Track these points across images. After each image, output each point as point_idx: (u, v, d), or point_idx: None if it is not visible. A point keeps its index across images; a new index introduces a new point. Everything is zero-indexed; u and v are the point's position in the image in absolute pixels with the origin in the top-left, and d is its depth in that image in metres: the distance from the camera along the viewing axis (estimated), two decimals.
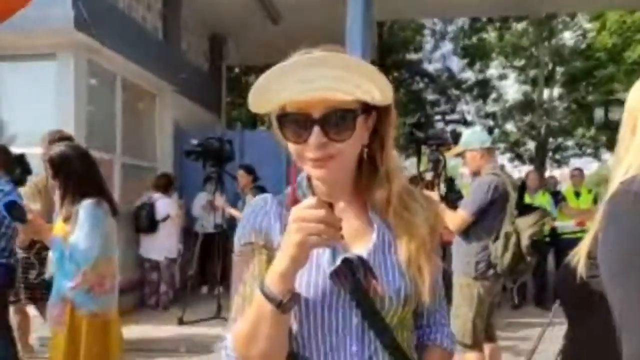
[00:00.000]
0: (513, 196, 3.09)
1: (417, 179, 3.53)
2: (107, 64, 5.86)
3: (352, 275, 0.90)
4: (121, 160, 6.22)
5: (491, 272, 3.08)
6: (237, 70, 15.71)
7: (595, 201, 6.69)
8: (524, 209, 3.15)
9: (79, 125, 5.17)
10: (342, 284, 0.90)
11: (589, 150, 20.17)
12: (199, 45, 8.85)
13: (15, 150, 3.67)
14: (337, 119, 0.88)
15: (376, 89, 0.88)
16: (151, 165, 7.04)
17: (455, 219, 3.14)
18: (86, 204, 2.41)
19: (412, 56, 18.32)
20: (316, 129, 0.88)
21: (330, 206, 0.81)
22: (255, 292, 0.88)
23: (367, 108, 0.93)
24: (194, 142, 5.58)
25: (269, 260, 0.93)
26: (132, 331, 5.03)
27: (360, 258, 0.91)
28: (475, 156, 3.22)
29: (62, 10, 4.87)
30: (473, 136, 3.34)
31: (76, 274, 2.37)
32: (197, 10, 8.17)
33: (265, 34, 8.69)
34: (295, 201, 0.95)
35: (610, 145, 19.70)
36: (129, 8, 6.35)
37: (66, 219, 2.44)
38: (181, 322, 5.25)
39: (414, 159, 3.92)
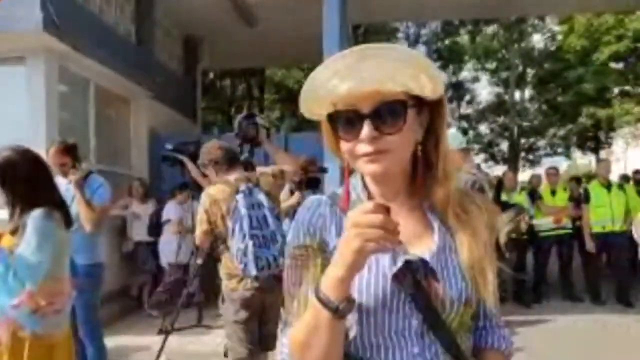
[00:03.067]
0: (489, 194, 3.10)
1: None
2: (79, 68, 5.72)
3: (413, 277, 0.90)
4: (95, 167, 6.06)
5: None
6: (211, 75, 15.57)
7: (570, 199, 6.82)
8: (501, 207, 3.17)
9: (50, 132, 5.01)
10: (402, 286, 0.90)
11: (560, 150, 20.67)
12: (173, 49, 8.73)
13: None
14: (387, 112, 0.88)
15: (428, 81, 0.88)
16: (126, 172, 6.89)
17: None
18: (35, 214, 2.16)
19: None
20: (367, 124, 0.87)
21: (387, 210, 0.79)
22: (310, 298, 0.88)
23: (418, 103, 0.92)
24: (169, 146, 5.47)
25: (324, 264, 0.92)
26: (113, 341, 4.91)
27: (422, 260, 0.91)
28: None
29: (31, 13, 4.72)
30: (450, 137, 3.36)
31: (20, 291, 2.12)
32: (171, 14, 8.06)
33: (240, 37, 8.62)
34: (349, 202, 0.96)
35: (581, 144, 20.24)
36: (100, 11, 6.22)
37: (14, 231, 2.19)
38: (161, 331, 5.13)
39: None
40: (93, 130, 6.13)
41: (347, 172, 0.97)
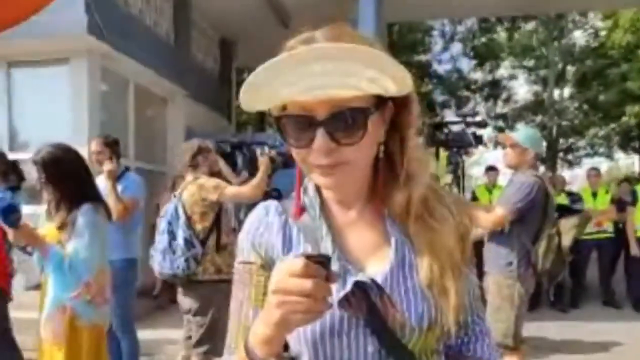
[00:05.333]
0: (554, 200, 3.07)
1: None
2: (120, 69, 5.89)
3: (367, 299, 0.77)
4: (134, 164, 6.23)
5: (530, 271, 3.05)
6: (246, 74, 15.75)
7: (612, 201, 6.59)
8: (565, 211, 3.14)
9: (92, 130, 5.18)
10: (354, 310, 0.77)
11: (601, 150, 19.96)
12: (209, 50, 8.87)
13: (28, 156, 3.67)
14: (345, 120, 0.74)
15: (391, 82, 0.73)
16: (163, 169, 7.05)
17: (492, 217, 3.07)
18: (85, 210, 2.25)
19: (421, 57, 18.27)
20: (321, 133, 0.74)
21: (322, 264, 0.65)
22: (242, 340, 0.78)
23: (381, 101, 0.78)
24: None
25: (268, 283, 0.79)
26: (147, 335, 5.03)
27: (374, 281, 0.77)
28: (524, 154, 3.15)
29: (76, 16, 4.90)
30: (534, 136, 3.26)
31: (77, 284, 2.21)
32: (207, 15, 8.19)
33: (275, 37, 8.62)
34: (301, 211, 0.87)
35: (623, 145, 19.50)
36: (140, 13, 6.38)
37: (61, 227, 2.27)
38: None
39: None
40: (132, 129, 6.30)
41: (298, 178, 0.87)
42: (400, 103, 0.81)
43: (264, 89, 0.73)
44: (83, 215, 2.25)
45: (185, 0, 7.45)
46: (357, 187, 0.85)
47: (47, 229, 2.36)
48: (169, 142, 7.26)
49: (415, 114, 0.83)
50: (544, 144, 3.74)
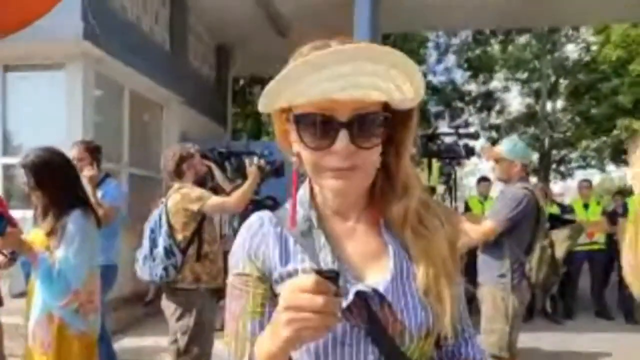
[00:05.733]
0: (545, 210, 3.09)
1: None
2: (115, 75, 5.89)
3: (367, 308, 0.79)
4: (128, 170, 6.22)
5: (524, 283, 3.06)
6: (241, 82, 15.79)
7: (603, 213, 6.64)
8: (556, 221, 3.16)
9: (86, 135, 5.16)
10: (355, 319, 0.79)
11: (593, 162, 20.14)
12: (206, 57, 8.89)
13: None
14: (366, 124, 0.75)
15: (412, 89, 0.74)
16: (158, 175, 7.03)
17: (482, 228, 3.08)
18: (75, 216, 2.19)
19: None
20: (343, 135, 0.74)
21: (331, 279, 0.65)
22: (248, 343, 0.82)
23: (387, 110, 0.80)
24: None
25: (265, 295, 0.84)
26: (136, 342, 5.00)
27: (376, 291, 0.79)
28: (512, 166, 3.17)
29: (72, 21, 4.90)
30: (518, 147, 3.26)
31: (66, 292, 2.15)
32: (204, 22, 8.22)
33: (271, 45, 8.72)
34: (297, 222, 0.87)
35: (615, 157, 19.69)
36: (137, 19, 6.40)
37: (49, 233, 2.20)
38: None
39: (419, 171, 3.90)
40: (127, 135, 6.29)
41: (294, 183, 0.88)
42: (400, 115, 0.82)
43: (290, 90, 0.72)
44: (73, 222, 2.19)
45: (182, 7, 7.48)
46: (359, 194, 0.86)
47: (34, 235, 2.30)
48: (164, 149, 7.24)
49: (414, 129, 0.85)
50: (531, 153, 3.72)
